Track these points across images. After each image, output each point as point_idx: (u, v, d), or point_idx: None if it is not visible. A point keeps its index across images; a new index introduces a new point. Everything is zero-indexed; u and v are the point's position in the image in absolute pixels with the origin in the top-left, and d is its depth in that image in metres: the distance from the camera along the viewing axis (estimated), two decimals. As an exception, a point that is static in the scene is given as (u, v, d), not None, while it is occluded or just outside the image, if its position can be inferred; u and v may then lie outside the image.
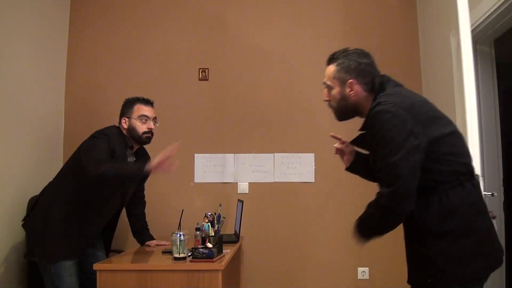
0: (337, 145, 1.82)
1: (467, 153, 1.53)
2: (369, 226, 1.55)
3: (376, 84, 1.60)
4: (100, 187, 2.22)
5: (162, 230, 3.13)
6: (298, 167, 3.28)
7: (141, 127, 2.36)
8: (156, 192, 3.30)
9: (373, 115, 1.49)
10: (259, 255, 3.24)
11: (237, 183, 3.30)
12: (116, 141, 2.26)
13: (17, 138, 2.81)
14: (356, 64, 1.62)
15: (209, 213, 2.46)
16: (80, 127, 3.39)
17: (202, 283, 1.99)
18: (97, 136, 2.26)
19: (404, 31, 3.38)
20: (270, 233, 3.25)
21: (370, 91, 1.61)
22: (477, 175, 1.56)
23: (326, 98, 1.70)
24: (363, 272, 3.17)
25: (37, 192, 2.47)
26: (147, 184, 3.27)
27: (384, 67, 3.62)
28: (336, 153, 1.83)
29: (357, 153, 1.80)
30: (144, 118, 2.37)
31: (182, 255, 2.11)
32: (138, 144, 2.41)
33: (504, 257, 1.51)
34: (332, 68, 1.66)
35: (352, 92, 1.61)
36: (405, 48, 3.36)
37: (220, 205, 2.89)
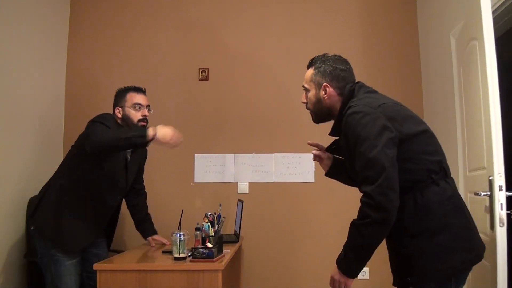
0: (314, 151, 1.87)
1: (440, 152, 1.55)
2: (358, 246, 1.47)
3: (346, 90, 1.66)
4: (103, 164, 2.19)
5: (162, 230, 3.13)
6: (298, 167, 3.28)
7: (136, 115, 2.33)
8: (156, 192, 3.30)
9: (346, 119, 1.53)
10: (259, 255, 3.24)
11: (237, 183, 3.31)
12: (114, 126, 2.26)
13: (17, 138, 2.82)
14: (331, 68, 1.70)
15: (209, 213, 2.46)
16: (80, 127, 3.38)
17: (202, 283, 1.99)
18: (96, 120, 2.24)
19: (404, 31, 3.38)
20: (270, 233, 3.25)
21: (342, 96, 1.67)
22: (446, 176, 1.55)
23: (304, 101, 1.78)
24: (363, 272, 3.17)
25: (37, 192, 2.46)
26: (147, 184, 3.28)
27: (384, 67, 3.65)
28: (314, 160, 1.89)
29: (335, 158, 1.85)
30: (137, 105, 2.34)
31: (182, 255, 2.11)
32: None
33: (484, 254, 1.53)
34: (310, 71, 1.75)
35: (326, 95, 1.68)
36: (405, 48, 3.36)
37: (220, 205, 2.89)
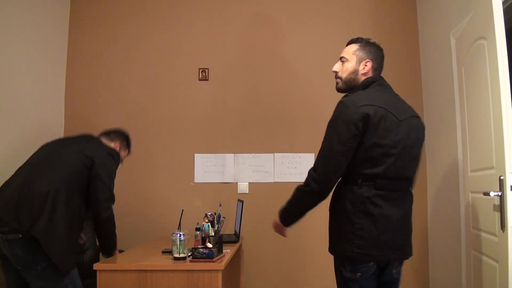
0: None
1: (386, 166, 1.71)
2: (294, 203, 1.93)
3: (366, 82, 1.85)
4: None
5: (162, 230, 3.14)
6: (298, 167, 3.28)
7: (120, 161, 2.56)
8: (156, 192, 3.31)
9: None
10: (259, 255, 3.24)
11: (237, 183, 3.30)
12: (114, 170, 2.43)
13: (17, 138, 2.82)
14: (375, 51, 1.92)
15: (209, 213, 2.46)
16: (80, 127, 3.40)
17: (202, 283, 1.99)
18: (114, 158, 2.39)
19: (404, 31, 3.38)
20: (270, 233, 3.22)
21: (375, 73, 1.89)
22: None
23: (336, 70, 1.94)
24: (363, 272, 3.17)
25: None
26: (147, 184, 3.28)
27: (384, 67, 3.63)
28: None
29: None
30: (121, 162, 2.58)
31: (182, 255, 2.11)
32: None
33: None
34: (354, 46, 1.95)
35: (364, 69, 1.87)
36: (405, 48, 3.36)
37: (220, 205, 2.89)
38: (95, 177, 2.24)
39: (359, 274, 1.72)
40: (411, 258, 3.11)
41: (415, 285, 3.15)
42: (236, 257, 3.10)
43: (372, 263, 1.72)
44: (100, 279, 2.03)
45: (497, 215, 1.90)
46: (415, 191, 3.34)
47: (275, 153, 3.31)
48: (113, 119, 3.40)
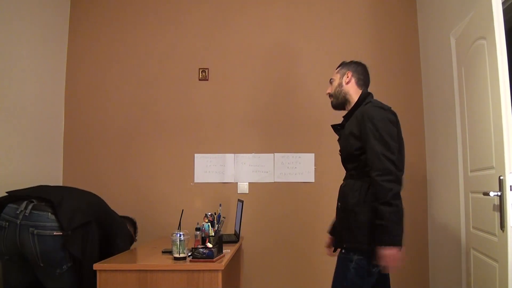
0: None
1: (398, 162, 1.88)
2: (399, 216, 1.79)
3: (365, 92, 2.08)
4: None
5: (162, 230, 3.14)
6: (298, 167, 3.28)
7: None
8: (156, 192, 3.31)
9: (366, 109, 1.94)
10: (259, 255, 3.24)
11: (237, 183, 3.30)
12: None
13: (17, 138, 2.82)
14: (356, 65, 2.15)
15: (209, 213, 2.46)
16: (80, 127, 3.40)
17: (202, 283, 1.99)
18: (130, 240, 2.73)
19: (404, 31, 3.38)
20: (270, 233, 3.25)
21: (360, 87, 2.09)
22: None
23: (328, 91, 2.17)
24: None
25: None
26: (148, 184, 3.28)
27: (384, 67, 3.65)
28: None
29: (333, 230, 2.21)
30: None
31: (182, 255, 2.11)
32: None
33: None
34: (338, 69, 2.18)
35: (347, 79, 2.09)
36: (405, 48, 3.36)
37: (220, 205, 2.89)
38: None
39: (374, 269, 1.81)
40: (411, 257, 3.13)
41: (415, 285, 3.15)
42: (236, 257, 3.10)
43: None
44: (100, 279, 2.03)
45: (496, 215, 1.91)
46: (415, 191, 3.35)
47: (275, 153, 3.31)
48: (113, 119, 3.40)
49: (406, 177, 3.19)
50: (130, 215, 2.96)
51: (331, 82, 2.17)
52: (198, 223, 2.54)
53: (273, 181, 3.29)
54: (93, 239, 2.30)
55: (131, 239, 2.75)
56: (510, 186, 1.81)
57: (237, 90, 3.38)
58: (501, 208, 1.85)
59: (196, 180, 3.32)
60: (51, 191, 2.33)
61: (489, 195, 1.92)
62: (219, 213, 2.69)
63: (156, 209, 3.28)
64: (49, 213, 2.17)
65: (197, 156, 3.33)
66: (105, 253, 2.38)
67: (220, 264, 2.03)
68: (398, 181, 1.79)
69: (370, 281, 1.84)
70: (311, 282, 3.19)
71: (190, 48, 3.43)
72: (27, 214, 2.14)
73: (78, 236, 2.22)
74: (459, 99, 2.59)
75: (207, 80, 3.40)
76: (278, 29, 3.42)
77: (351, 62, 2.16)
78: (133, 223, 2.93)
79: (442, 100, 2.91)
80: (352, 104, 2.06)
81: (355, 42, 3.39)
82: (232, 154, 3.32)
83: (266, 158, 3.30)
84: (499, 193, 1.86)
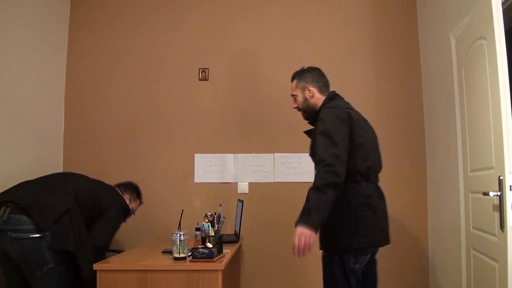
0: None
1: (370, 160, 1.98)
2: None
3: (330, 94, 2.16)
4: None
5: (162, 230, 3.14)
6: (298, 167, 3.28)
7: (129, 214, 2.77)
8: (156, 192, 3.30)
9: (322, 111, 2.02)
10: (259, 255, 3.24)
11: (237, 183, 3.30)
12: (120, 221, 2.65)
13: (17, 138, 2.82)
14: (310, 74, 2.20)
15: (209, 213, 2.46)
16: (80, 127, 3.40)
17: (202, 283, 1.99)
18: (124, 213, 2.64)
19: (404, 31, 3.38)
20: (270, 233, 3.25)
21: (325, 93, 2.16)
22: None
23: (294, 106, 2.22)
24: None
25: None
26: (147, 183, 3.28)
27: (384, 67, 3.64)
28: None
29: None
30: (133, 213, 2.82)
31: (182, 255, 2.11)
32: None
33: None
34: (294, 82, 2.22)
35: (310, 93, 2.16)
36: (405, 48, 3.36)
37: (220, 205, 2.89)
38: (101, 222, 2.45)
39: (358, 265, 1.91)
40: (411, 257, 3.12)
41: (415, 285, 3.15)
42: (236, 257, 3.10)
43: (369, 255, 1.94)
44: (100, 279, 2.03)
45: (496, 215, 1.91)
46: (415, 191, 3.35)
47: (275, 153, 3.31)
48: (113, 119, 3.40)
49: (406, 177, 3.23)
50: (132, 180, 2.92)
51: (293, 97, 2.21)
52: (198, 223, 2.54)
53: (273, 181, 3.29)
54: (80, 226, 2.26)
55: (126, 210, 2.66)
56: (510, 186, 1.81)
57: (237, 90, 3.38)
58: (501, 208, 1.85)
59: (196, 180, 3.32)
60: (23, 193, 2.27)
61: (489, 195, 1.92)
62: (219, 213, 2.69)
63: (156, 209, 3.28)
64: (24, 216, 2.15)
65: (197, 156, 3.33)
66: (99, 230, 2.39)
67: (220, 264, 2.04)
68: (338, 175, 1.80)
69: (355, 277, 1.92)
70: (311, 282, 3.19)
71: (190, 48, 3.43)
72: (5, 219, 2.14)
73: (64, 229, 2.19)
74: (459, 99, 2.59)
75: (207, 80, 3.40)
76: (278, 29, 3.42)
77: (304, 72, 2.20)
78: (133, 188, 2.84)
79: (442, 100, 2.91)
80: (317, 109, 2.13)
81: (355, 42, 3.39)
82: (232, 154, 3.32)
83: (266, 158, 3.30)
84: (499, 193, 1.86)
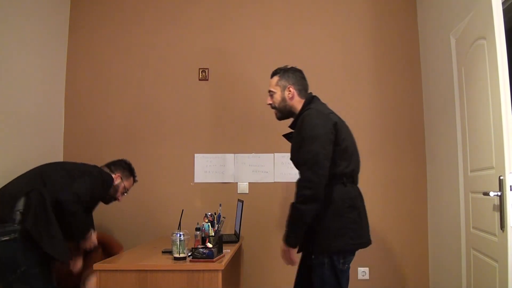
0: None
1: (353, 163, 2.00)
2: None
3: (309, 96, 2.14)
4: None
5: (162, 230, 3.14)
6: (298, 167, 3.28)
7: (119, 195, 2.64)
8: (156, 192, 3.31)
9: (303, 116, 1.98)
10: (259, 255, 3.24)
11: (237, 183, 3.30)
12: (100, 190, 2.47)
13: (17, 138, 2.82)
14: (293, 75, 2.16)
15: (209, 213, 2.46)
16: (80, 127, 3.40)
17: (202, 283, 1.99)
18: (94, 175, 2.44)
19: (404, 31, 3.38)
20: (270, 233, 3.25)
21: (303, 97, 2.14)
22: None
23: (269, 102, 2.19)
24: (363, 272, 3.17)
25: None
26: (148, 184, 3.28)
27: (384, 67, 3.64)
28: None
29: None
30: (127, 191, 2.69)
31: (182, 255, 2.11)
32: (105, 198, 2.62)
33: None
34: (275, 78, 2.18)
35: (290, 94, 2.13)
36: (405, 48, 3.36)
37: (220, 205, 2.89)
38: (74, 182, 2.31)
39: (347, 265, 1.95)
40: (411, 257, 3.12)
41: (415, 285, 3.15)
42: (236, 257, 3.10)
43: (354, 255, 1.98)
44: (100, 279, 2.03)
45: (496, 215, 1.91)
46: (415, 191, 3.34)
47: (275, 153, 3.31)
48: (113, 119, 3.40)
49: (406, 176, 3.23)
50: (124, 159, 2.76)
51: (271, 94, 2.18)
52: (198, 223, 2.54)
53: (273, 181, 3.28)
54: (43, 204, 2.15)
55: (107, 179, 2.49)
56: (510, 186, 1.81)
57: (237, 90, 3.38)
58: (501, 208, 1.85)
59: (196, 180, 3.32)
60: None
61: (489, 195, 1.92)
62: (219, 213, 2.69)
63: (156, 209, 3.28)
64: None
65: (197, 156, 3.33)
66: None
67: (220, 264, 2.04)
68: (317, 191, 1.85)
69: (345, 277, 1.96)
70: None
71: (190, 48, 3.43)
72: None
73: (28, 209, 2.12)
74: (459, 99, 2.59)
75: (207, 80, 3.40)
76: (278, 29, 3.42)
77: (288, 71, 2.17)
78: (124, 165, 2.68)
79: (442, 100, 2.91)
80: (298, 113, 2.12)
81: (355, 42, 3.39)
82: (232, 154, 3.32)
83: (266, 158, 3.30)
84: (499, 193, 1.86)
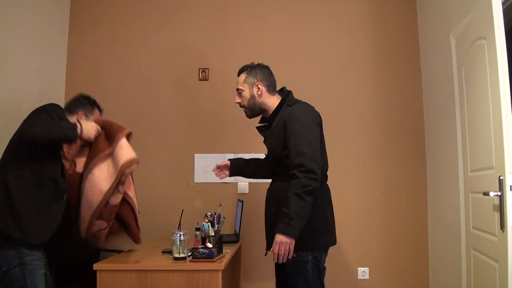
0: (216, 170, 2.38)
1: (326, 161, 2.08)
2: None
3: (285, 90, 2.16)
4: (38, 163, 2.11)
5: (162, 230, 3.14)
6: (298, 167, 3.27)
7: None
8: (156, 192, 3.31)
9: (291, 109, 2.00)
10: (259, 255, 3.23)
11: (237, 183, 3.30)
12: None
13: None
14: (261, 72, 2.16)
15: (209, 213, 2.46)
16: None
17: (202, 283, 1.99)
18: (43, 110, 2.22)
19: (404, 31, 3.38)
20: (270, 233, 3.25)
21: (272, 93, 2.14)
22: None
23: (238, 101, 2.18)
24: (363, 272, 3.17)
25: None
26: (147, 184, 3.28)
27: (384, 67, 3.64)
28: (220, 174, 2.37)
29: (234, 163, 2.41)
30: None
31: (182, 255, 2.11)
32: None
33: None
34: (242, 76, 2.18)
35: (259, 91, 2.12)
36: (405, 48, 3.36)
37: (220, 205, 2.89)
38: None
39: (324, 262, 1.99)
40: (411, 257, 3.12)
41: (415, 285, 3.15)
42: (236, 257, 3.10)
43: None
44: (100, 279, 2.03)
45: (496, 215, 1.91)
46: (415, 191, 3.34)
47: (275, 153, 3.30)
48: (112, 119, 3.39)
49: (406, 176, 3.23)
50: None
51: (239, 92, 2.17)
52: (198, 223, 2.54)
53: (273, 181, 3.28)
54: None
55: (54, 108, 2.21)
56: (510, 186, 1.81)
57: (237, 90, 3.38)
58: (501, 208, 1.85)
59: (196, 180, 3.32)
60: None
61: (489, 195, 1.92)
62: (219, 213, 2.69)
63: (156, 209, 3.28)
64: None
65: (197, 156, 3.33)
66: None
67: (220, 264, 2.04)
68: (317, 181, 1.85)
69: (324, 273, 1.98)
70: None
71: (190, 47, 3.43)
72: None
73: None
74: (459, 99, 2.59)
75: (207, 80, 3.40)
76: (278, 29, 3.42)
77: (255, 68, 2.16)
78: (82, 100, 2.43)
79: (442, 100, 2.91)
80: (271, 109, 2.11)
81: (355, 42, 3.39)
82: (232, 154, 3.32)
83: (266, 158, 3.29)
84: (499, 193, 1.86)
